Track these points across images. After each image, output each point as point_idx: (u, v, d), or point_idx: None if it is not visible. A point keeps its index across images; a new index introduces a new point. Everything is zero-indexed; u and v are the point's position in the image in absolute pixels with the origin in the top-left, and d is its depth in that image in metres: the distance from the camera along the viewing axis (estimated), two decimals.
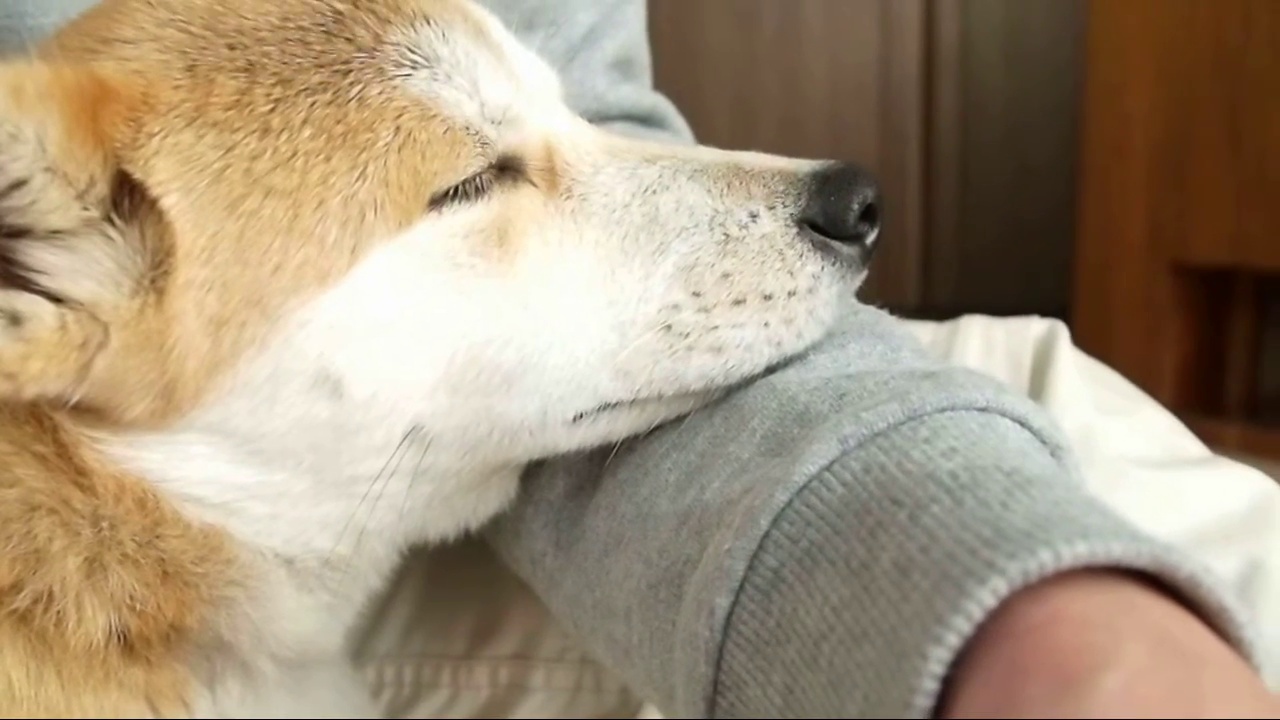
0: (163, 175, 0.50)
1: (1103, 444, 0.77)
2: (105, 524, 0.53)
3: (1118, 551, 0.38)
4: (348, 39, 0.53)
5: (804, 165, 0.59)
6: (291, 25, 0.53)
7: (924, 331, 0.89)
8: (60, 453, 0.52)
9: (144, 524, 0.54)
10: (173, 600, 0.55)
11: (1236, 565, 0.72)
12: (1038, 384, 0.82)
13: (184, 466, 0.53)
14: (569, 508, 0.63)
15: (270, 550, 0.57)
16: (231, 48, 0.52)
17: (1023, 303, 3.19)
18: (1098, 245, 2.64)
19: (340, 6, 0.54)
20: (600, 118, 0.86)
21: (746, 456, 0.54)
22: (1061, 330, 0.87)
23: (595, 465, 0.62)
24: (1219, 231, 2.36)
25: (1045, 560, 0.37)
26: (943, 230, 3.22)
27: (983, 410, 0.50)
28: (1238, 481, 0.77)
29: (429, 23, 0.55)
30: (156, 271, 0.50)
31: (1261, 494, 0.76)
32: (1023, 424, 0.51)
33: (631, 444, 0.60)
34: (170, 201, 0.50)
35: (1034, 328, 0.87)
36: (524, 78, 0.59)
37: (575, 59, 0.84)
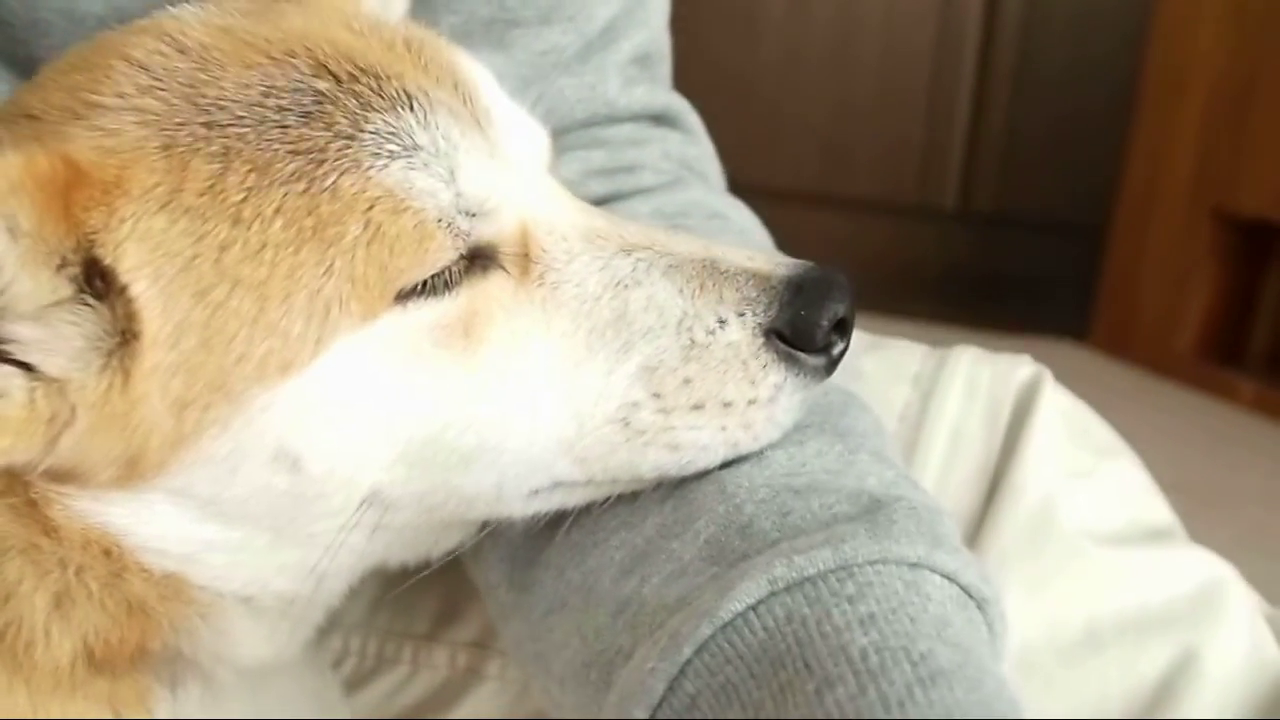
0: (132, 261, 0.50)
1: (1063, 516, 0.78)
2: (72, 568, 0.56)
3: None
4: (326, 125, 0.53)
5: (779, 268, 0.59)
6: (271, 104, 0.53)
7: (913, 359, 0.90)
8: (29, 504, 0.54)
9: (109, 569, 0.56)
10: (136, 630, 0.59)
11: (1171, 654, 0.75)
12: (1013, 435, 0.83)
13: (147, 524, 0.56)
14: (524, 549, 0.66)
15: (229, 592, 0.60)
16: (209, 126, 0.52)
17: (1059, 221, 3.13)
18: (1143, 178, 2.58)
19: (322, 86, 0.54)
20: (610, 121, 0.85)
21: (688, 559, 0.56)
22: (1046, 377, 0.88)
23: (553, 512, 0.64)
24: (1268, 185, 2.30)
25: None
26: (989, 137, 3.14)
27: (913, 566, 0.51)
28: (1189, 564, 0.78)
29: (411, 106, 0.54)
30: (124, 351, 0.51)
31: (1209, 580, 0.78)
32: (952, 579, 0.52)
33: (586, 508, 0.62)
34: (139, 288, 0.50)
35: (1020, 372, 0.87)
36: (508, 150, 0.59)
37: (590, 59, 0.83)
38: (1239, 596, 0.78)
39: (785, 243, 0.82)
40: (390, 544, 0.62)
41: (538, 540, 0.65)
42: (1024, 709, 0.48)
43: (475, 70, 0.61)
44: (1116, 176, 2.66)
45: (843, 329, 0.58)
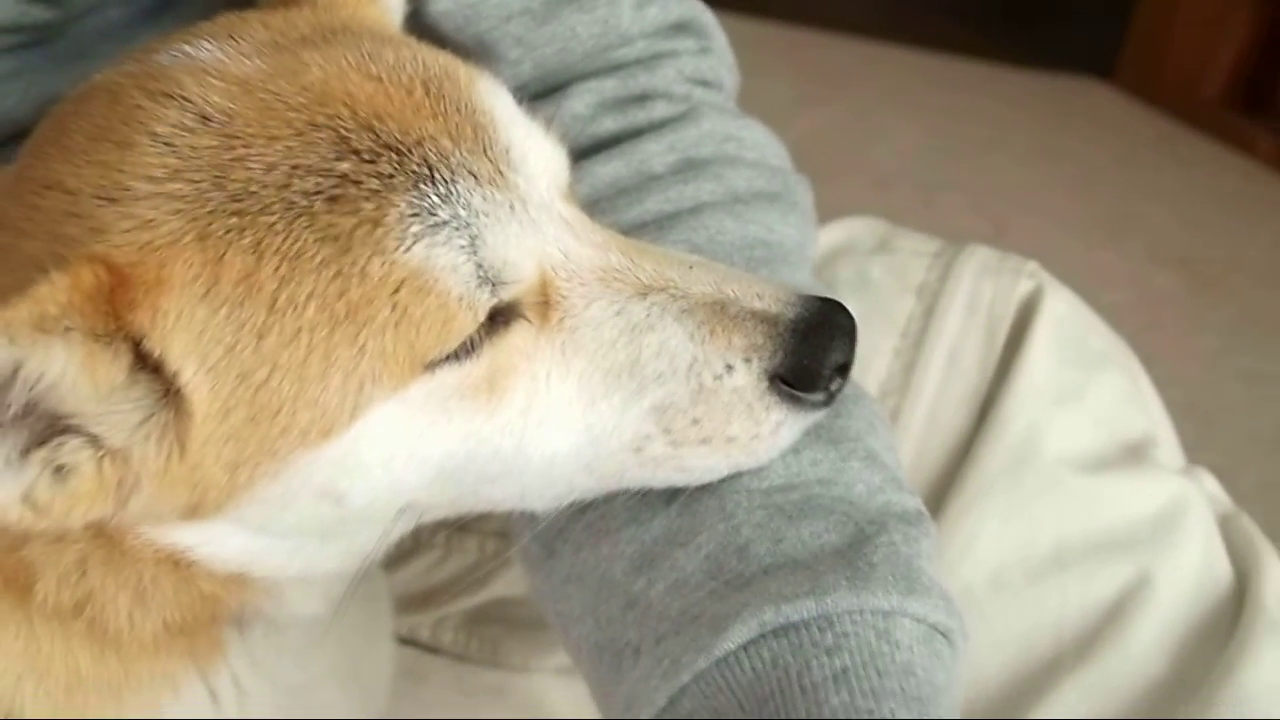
0: (179, 350, 0.54)
1: (1044, 446, 0.85)
2: (148, 576, 0.64)
3: None
4: (351, 210, 0.55)
5: (787, 310, 0.62)
6: (296, 189, 0.54)
7: (919, 266, 0.93)
8: (106, 534, 0.61)
9: (179, 575, 0.64)
10: (208, 610, 0.67)
11: (1128, 575, 0.83)
12: (1008, 359, 0.88)
13: (209, 544, 0.63)
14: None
15: (285, 578, 0.68)
16: (240, 215, 0.54)
17: None
18: None
19: (345, 168, 0.55)
20: (625, 43, 0.84)
21: (690, 570, 0.63)
22: (1046, 289, 0.91)
23: None
24: None
25: None
26: None
27: (886, 615, 0.58)
28: (1154, 486, 0.85)
29: (433, 178, 0.56)
30: (179, 425, 0.56)
31: (1171, 502, 0.85)
32: (921, 621, 0.59)
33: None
34: (187, 375, 0.55)
35: (1021, 287, 0.91)
36: (528, 193, 0.60)
37: None
38: (1197, 515, 0.85)
39: None
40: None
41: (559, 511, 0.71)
42: None
43: (492, 99, 0.62)
44: None
45: (844, 370, 0.62)
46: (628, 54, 0.84)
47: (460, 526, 0.94)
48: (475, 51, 0.80)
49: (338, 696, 0.81)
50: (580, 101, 0.82)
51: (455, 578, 0.96)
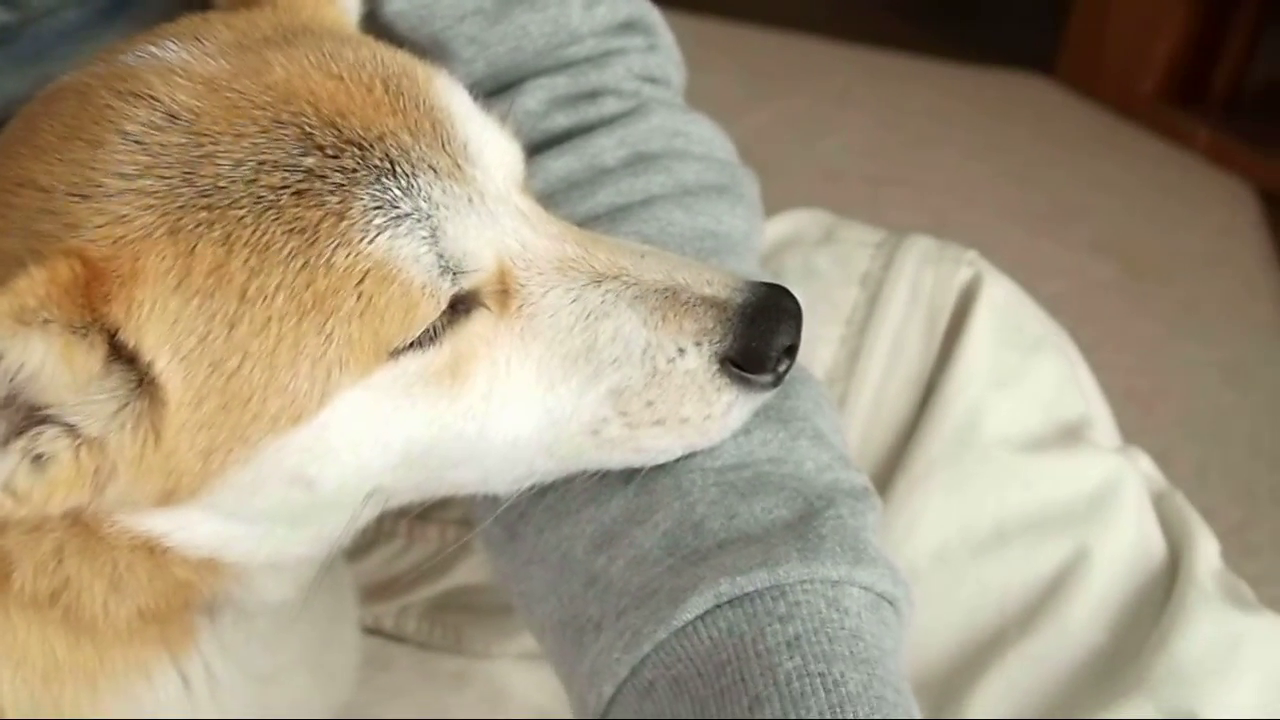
0: (152, 340, 0.56)
1: (984, 427, 0.88)
2: (123, 564, 0.65)
3: None
4: (317, 203, 0.57)
5: (735, 295, 0.64)
6: (263, 183, 0.57)
7: (863, 256, 0.96)
8: (81, 522, 0.63)
9: (153, 561, 0.66)
10: (180, 596, 0.69)
11: (1067, 551, 0.87)
12: (949, 345, 0.91)
13: (182, 529, 0.64)
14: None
15: (255, 563, 0.70)
16: (209, 209, 0.56)
17: None
18: None
19: (309, 163, 0.57)
20: (572, 40, 0.86)
21: (648, 547, 0.66)
22: (985, 277, 0.95)
23: None
24: None
25: None
26: None
27: (835, 584, 0.61)
28: (1090, 465, 0.89)
29: (395, 172, 0.58)
30: (153, 414, 0.58)
31: (1106, 480, 0.89)
32: (868, 590, 0.62)
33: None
34: (161, 364, 0.57)
35: (961, 274, 0.94)
36: (485, 185, 0.63)
37: None
38: (1131, 492, 0.89)
39: None
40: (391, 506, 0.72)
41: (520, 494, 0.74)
42: (915, 709, 0.60)
43: (449, 96, 0.64)
44: None
45: (791, 353, 0.65)
46: (578, 52, 0.87)
47: (421, 515, 0.96)
48: (430, 51, 0.82)
49: (307, 683, 0.83)
50: (533, 98, 0.84)
51: (417, 566, 0.98)
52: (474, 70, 0.83)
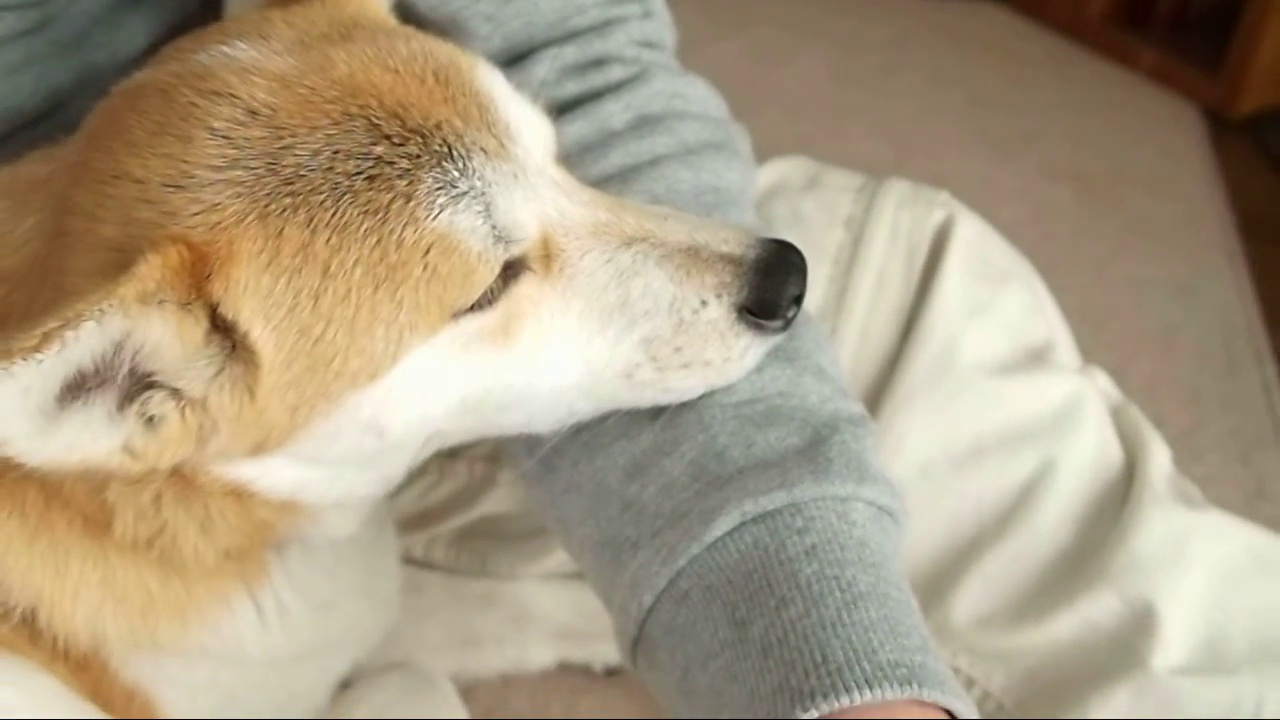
0: (248, 312, 0.64)
1: (960, 354, 0.98)
2: (214, 508, 0.74)
3: (891, 696, 0.62)
4: (387, 187, 0.64)
5: (749, 251, 0.73)
6: (339, 170, 0.64)
7: (845, 200, 1.05)
8: (178, 471, 0.71)
9: (240, 504, 0.74)
10: (261, 536, 0.78)
11: (1035, 462, 0.97)
12: (926, 280, 1.01)
13: (267, 475, 0.73)
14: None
15: (327, 503, 0.78)
16: (292, 196, 0.63)
17: None
18: None
19: (379, 151, 0.65)
20: (579, 12, 0.93)
21: (676, 474, 0.75)
22: (958, 217, 1.04)
23: None
24: None
25: (844, 702, 0.62)
26: None
27: (843, 500, 0.71)
28: (1055, 385, 0.99)
29: (452, 155, 0.66)
30: (248, 376, 0.66)
31: (1068, 397, 0.99)
32: (871, 504, 0.72)
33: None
34: (256, 333, 0.64)
35: (935, 215, 1.04)
36: (527, 161, 0.70)
37: None
38: (1092, 408, 1.00)
39: None
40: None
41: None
42: (914, 603, 0.69)
43: (490, 81, 0.72)
44: None
45: (799, 300, 0.74)
46: (581, 22, 0.94)
47: (451, 452, 1.05)
48: (449, 29, 0.89)
49: (362, 608, 0.93)
50: (543, 68, 0.91)
51: (449, 500, 1.07)
52: (490, 46, 0.90)
